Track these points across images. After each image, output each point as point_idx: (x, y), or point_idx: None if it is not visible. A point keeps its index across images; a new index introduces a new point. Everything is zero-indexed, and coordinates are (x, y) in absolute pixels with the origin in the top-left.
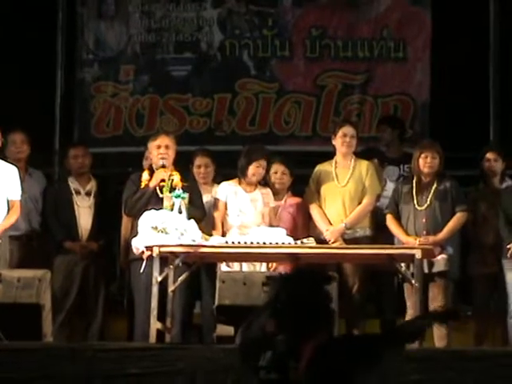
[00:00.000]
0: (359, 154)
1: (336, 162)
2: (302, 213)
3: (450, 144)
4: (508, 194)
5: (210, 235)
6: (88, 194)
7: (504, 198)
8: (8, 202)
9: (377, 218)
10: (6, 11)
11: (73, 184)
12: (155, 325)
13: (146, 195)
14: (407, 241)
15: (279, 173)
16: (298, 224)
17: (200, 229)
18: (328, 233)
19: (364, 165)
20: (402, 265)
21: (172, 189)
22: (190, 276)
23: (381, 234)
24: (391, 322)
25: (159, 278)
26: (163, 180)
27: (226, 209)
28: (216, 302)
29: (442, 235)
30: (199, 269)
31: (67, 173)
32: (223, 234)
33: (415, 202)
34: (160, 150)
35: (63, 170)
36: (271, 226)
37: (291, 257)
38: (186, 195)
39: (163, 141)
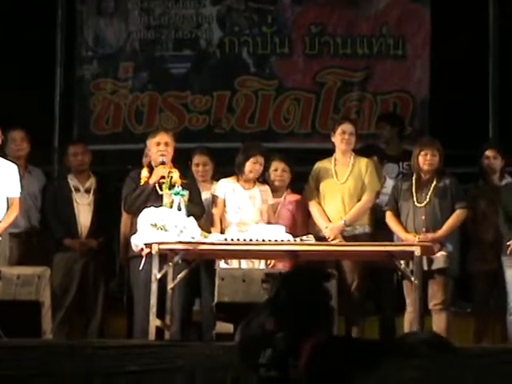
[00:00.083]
0: (358, 151)
1: (335, 159)
2: (301, 210)
3: (449, 141)
4: (507, 191)
5: (209, 232)
6: (87, 191)
7: (503, 195)
8: (7, 199)
9: (376, 215)
10: (5, 9)
11: (72, 181)
12: (154, 322)
13: (146, 192)
14: (406, 238)
15: (279, 170)
16: (298, 221)
17: (199, 226)
18: (327, 230)
19: (363, 162)
20: (402, 262)
21: (171, 186)
22: (190, 273)
23: (380, 231)
24: (390, 319)
25: (158, 275)
26: (163, 177)
27: (224, 206)
28: (215, 299)
29: (441, 232)
30: (198, 266)
31: (67, 170)
32: (222, 231)
33: (415, 199)
34: (159, 147)
35: (63, 168)
36: (269, 223)
37: (290, 254)
38: (186, 192)
39: (162, 138)
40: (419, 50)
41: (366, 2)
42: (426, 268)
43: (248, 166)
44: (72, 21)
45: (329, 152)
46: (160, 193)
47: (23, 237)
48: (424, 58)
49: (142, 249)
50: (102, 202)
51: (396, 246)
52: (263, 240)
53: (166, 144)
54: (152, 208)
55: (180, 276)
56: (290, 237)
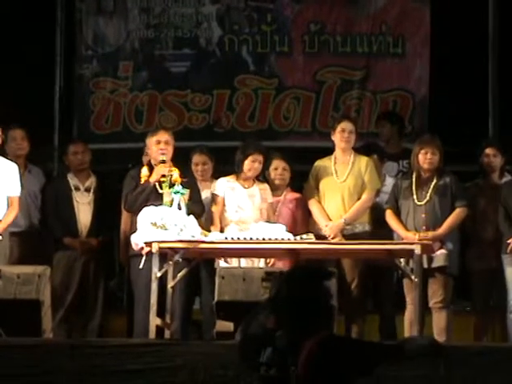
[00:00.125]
0: (358, 150)
1: (335, 158)
2: (301, 208)
3: (449, 139)
4: (507, 189)
5: (209, 231)
6: (87, 190)
7: (503, 193)
8: (7, 199)
9: (376, 213)
10: (5, 7)
11: (72, 180)
12: (155, 321)
13: (147, 191)
14: (406, 236)
15: (280, 169)
16: (298, 220)
17: (199, 225)
18: (327, 228)
19: (363, 160)
20: (402, 260)
21: (171, 185)
22: (190, 272)
23: (380, 230)
24: (390, 317)
25: (158, 274)
26: (163, 175)
27: (224, 204)
28: (215, 298)
29: (441, 230)
30: (198, 265)
31: (66, 169)
32: (221, 230)
33: (415, 197)
34: (160, 146)
35: (62, 167)
36: (269, 221)
37: (290, 252)
38: (186, 191)
39: (162, 136)
40: (419, 48)
41: (365, 0)
42: (426, 266)
43: (247, 164)
44: (71, 20)
45: (329, 150)
46: (160, 191)
47: (23, 236)
48: (424, 57)
49: (142, 247)
50: (102, 200)
51: (396, 244)
52: (263, 239)
53: (166, 142)
54: (152, 207)
55: (180, 275)
56: (290, 235)
